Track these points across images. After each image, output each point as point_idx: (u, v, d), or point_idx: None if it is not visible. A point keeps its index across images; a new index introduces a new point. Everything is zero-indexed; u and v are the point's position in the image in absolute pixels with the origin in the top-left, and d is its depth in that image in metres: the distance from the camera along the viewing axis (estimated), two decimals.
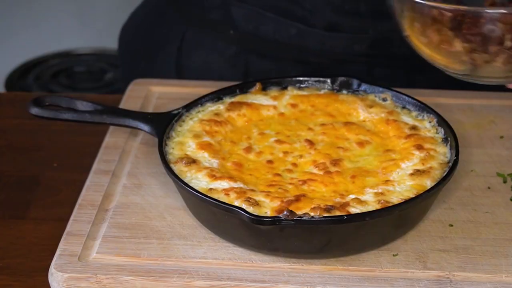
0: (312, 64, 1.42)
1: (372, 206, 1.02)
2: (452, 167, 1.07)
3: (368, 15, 1.39)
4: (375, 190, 1.05)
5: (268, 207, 1.02)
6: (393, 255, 1.03)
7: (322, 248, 1.02)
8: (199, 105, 1.21)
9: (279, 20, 1.40)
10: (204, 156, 1.11)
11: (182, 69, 1.49)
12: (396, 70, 1.43)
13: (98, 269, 1.01)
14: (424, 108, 1.19)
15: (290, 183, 1.06)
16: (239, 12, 1.41)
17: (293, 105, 1.22)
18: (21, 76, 2.98)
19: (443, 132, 1.15)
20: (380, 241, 1.04)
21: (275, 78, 1.26)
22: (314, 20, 1.40)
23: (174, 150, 1.13)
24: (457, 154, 1.09)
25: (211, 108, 1.21)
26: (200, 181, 1.07)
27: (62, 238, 1.06)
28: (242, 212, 0.98)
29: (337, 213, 1.00)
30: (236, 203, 1.02)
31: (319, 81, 1.26)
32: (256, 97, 1.23)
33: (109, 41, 1.69)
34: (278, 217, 0.97)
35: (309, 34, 1.40)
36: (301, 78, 1.26)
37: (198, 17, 1.46)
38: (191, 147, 1.13)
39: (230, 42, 1.45)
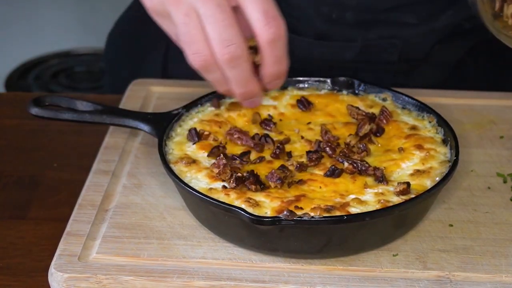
0: (300, 71, 1.42)
1: (372, 206, 1.02)
2: (452, 167, 1.07)
3: (356, 24, 1.39)
4: (375, 190, 1.05)
5: (268, 207, 1.02)
6: (393, 255, 1.03)
7: (322, 248, 1.02)
8: (199, 105, 1.21)
9: None
10: (204, 156, 1.11)
11: (168, 75, 1.49)
12: (381, 74, 1.44)
13: (98, 269, 1.01)
14: (424, 108, 1.19)
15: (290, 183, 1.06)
16: None
17: (293, 105, 1.22)
18: (21, 76, 2.99)
19: (443, 132, 1.15)
20: (380, 241, 1.04)
21: None
22: (302, 28, 1.40)
23: (174, 150, 1.13)
24: (457, 154, 1.09)
25: (211, 108, 1.21)
26: (200, 181, 1.07)
27: (62, 238, 1.06)
28: (242, 212, 0.98)
29: (337, 213, 1.00)
30: (236, 203, 1.02)
31: (319, 81, 1.26)
32: None
33: None
34: (278, 217, 0.97)
35: (298, 42, 1.40)
36: (301, 78, 1.26)
37: None
38: (191, 147, 1.13)
39: None
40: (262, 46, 0.98)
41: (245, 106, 1.06)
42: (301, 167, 1.09)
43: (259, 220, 0.97)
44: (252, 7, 0.96)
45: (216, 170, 1.06)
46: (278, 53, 1.00)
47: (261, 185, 1.05)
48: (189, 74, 1.47)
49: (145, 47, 1.54)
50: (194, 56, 0.98)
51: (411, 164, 1.10)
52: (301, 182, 1.07)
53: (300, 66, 1.42)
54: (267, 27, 0.96)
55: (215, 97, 1.21)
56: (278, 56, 1.00)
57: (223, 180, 1.05)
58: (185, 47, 0.98)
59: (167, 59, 1.49)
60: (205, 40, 0.97)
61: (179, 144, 1.14)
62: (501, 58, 1.50)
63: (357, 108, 1.19)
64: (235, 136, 1.14)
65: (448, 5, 1.40)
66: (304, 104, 1.21)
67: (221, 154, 1.08)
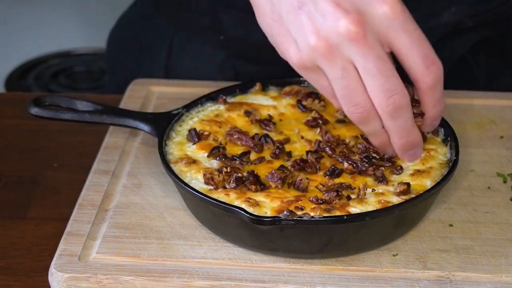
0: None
1: (372, 206, 1.02)
2: (452, 167, 1.07)
3: None
4: (375, 190, 1.05)
5: (268, 207, 1.02)
6: (393, 255, 1.03)
7: (322, 248, 1.02)
8: (199, 105, 1.21)
9: None
10: (204, 156, 1.11)
11: (170, 73, 1.49)
12: None
13: (98, 269, 1.01)
14: None
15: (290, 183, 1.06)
16: (228, 18, 1.41)
17: (293, 105, 1.22)
18: (21, 76, 2.98)
19: (443, 132, 1.15)
20: (380, 241, 1.04)
21: (275, 78, 1.25)
22: None
23: (174, 150, 1.13)
24: (457, 154, 1.09)
25: (211, 108, 1.21)
26: (200, 181, 1.07)
27: (62, 238, 1.06)
28: (242, 212, 0.98)
29: (337, 213, 1.00)
30: (236, 203, 1.02)
31: None
32: (256, 97, 1.23)
33: None
34: (278, 217, 0.97)
35: None
36: (301, 78, 1.25)
37: (187, 22, 1.46)
38: (191, 147, 1.13)
39: (219, 47, 1.45)
40: (424, 91, 0.98)
41: (405, 160, 1.05)
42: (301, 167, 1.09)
43: (259, 220, 0.97)
44: (411, 53, 0.95)
45: (217, 177, 1.06)
46: (438, 95, 1.00)
47: (261, 185, 1.05)
48: (192, 71, 1.47)
49: (148, 45, 1.54)
50: (353, 109, 0.96)
51: (411, 164, 1.10)
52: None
53: None
54: (428, 71, 0.96)
55: (221, 95, 1.21)
56: (438, 98, 1.00)
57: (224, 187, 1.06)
58: (344, 100, 0.97)
59: (170, 57, 1.49)
60: (365, 92, 0.95)
61: (179, 144, 1.14)
62: (503, 57, 1.50)
63: None
64: (235, 136, 1.14)
65: (451, 3, 1.40)
66: (304, 104, 1.21)
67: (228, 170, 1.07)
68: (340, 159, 1.10)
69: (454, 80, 1.46)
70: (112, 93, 1.53)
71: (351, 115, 0.98)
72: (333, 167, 1.08)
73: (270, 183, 1.05)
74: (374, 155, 1.10)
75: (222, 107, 1.21)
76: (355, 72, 0.95)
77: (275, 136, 1.16)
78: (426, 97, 0.99)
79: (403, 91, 0.96)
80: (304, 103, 1.21)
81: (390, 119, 0.97)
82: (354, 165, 1.08)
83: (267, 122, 1.18)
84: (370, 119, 0.98)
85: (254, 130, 1.17)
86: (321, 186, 1.05)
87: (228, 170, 1.06)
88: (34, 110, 1.17)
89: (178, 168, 1.09)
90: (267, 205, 1.02)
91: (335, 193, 1.03)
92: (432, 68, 0.96)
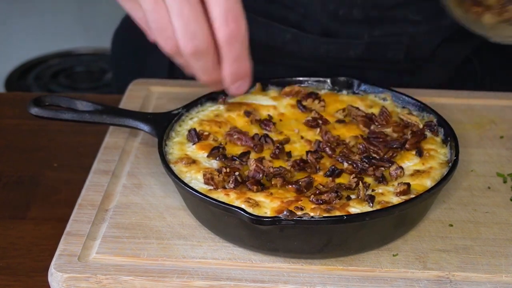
0: (305, 69, 1.42)
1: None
2: (452, 167, 1.07)
3: (362, 21, 1.39)
4: (375, 190, 1.05)
5: (268, 207, 1.02)
6: (393, 255, 1.03)
7: (322, 248, 1.02)
8: (199, 105, 1.21)
9: (272, 25, 1.40)
10: (204, 157, 1.11)
11: (174, 73, 1.49)
12: (387, 73, 1.44)
13: (97, 269, 1.01)
14: (424, 108, 1.19)
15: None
16: None
17: (293, 106, 1.22)
18: (21, 76, 2.99)
19: (443, 132, 1.15)
20: (380, 241, 1.04)
21: (275, 79, 1.26)
22: (308, 25, 1.40)
23: (174, 150, 1.13)
24: (457, 154, 1.09)
25: (211, 108, 1.21)
26: (200, 181, 1.07)
27: (62, 238, 1.06)
28: (242, 212, 0.98)
29: (337, 213, 1.00)
30: (236, 203, 1.02)
31: (319, 81, 1.26)
32: (256, 98, 1.23)
33: (109, 41, 1.69)
34: (278, 217, 0.97)
35: (304, 39, 1.40)
36: (301, 78, 1.26)
37: None
38: (191, 147, 1.13)
39: None
40: (220, 43, 0.97)
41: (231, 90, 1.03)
42: (301, 167, 1.09)
43: (259, 220, 0.97)
44: (215, 3, 0.95)
45: (217, 177, 1.06)
46: (237, 52, 0.98)
47: (261, 186, 1.05)
48: None
49: (152, 45, 1.53)
50: (164, 42, 0.98)
51: (411, 164, 1.10)
52: None
53: (306, 64, 1.42)
54: (225, 26, 0.95)
55: (221, 95, 1.21)
56: (237, 54, 0.98)
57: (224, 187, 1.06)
58: (155, 33, 0.99)
59: None
60: (172, 29, 0.97)
61: (179, 144, 1.14)
62: (507, 57, 1.50)
63: (357, 108, 1.19)
64: (235, 136, 1.14)
65: None
66: (304, 104, 1.21)
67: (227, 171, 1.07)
68: (340, 159, 1.10)
69: (458, 80, 1.46)
70: (116, 93, 1.53)
71: (164, 48, 0.99)
72: (333, 167, 1.08)
73: (272, 182, 1.05)
74: (374, 155, 1.10)
75: (222, 107, 1.21)
76: (166, 7, 0.95)
77: (275, 136, 1.16)
78: (223, 50, 0.97)
79: (204, 36, 0.96)
80: (304, 103, 1.21)
81: (191, 60, 0.98)
82: (354, 165, 1.08)
83: (267, 122, 1.18)
84: (178, 54, 0.99)
85: (254, 130, 1.17)
86: (321, 187, 1.05)
87: (228, 170, 1.06)
88: (34, 110, 1.17)
89: (178, 168, 1.09)
90: (267, 205, 1.02)
91: (335, 194, 1.03)
92: (230, 24, 0.95)
